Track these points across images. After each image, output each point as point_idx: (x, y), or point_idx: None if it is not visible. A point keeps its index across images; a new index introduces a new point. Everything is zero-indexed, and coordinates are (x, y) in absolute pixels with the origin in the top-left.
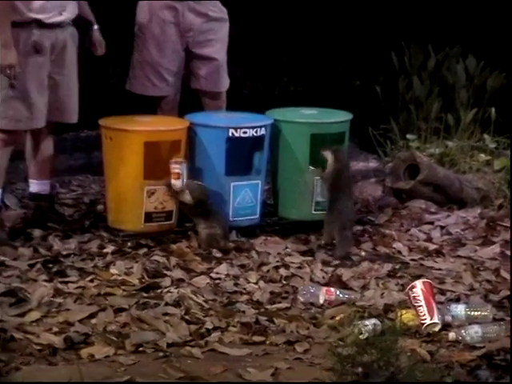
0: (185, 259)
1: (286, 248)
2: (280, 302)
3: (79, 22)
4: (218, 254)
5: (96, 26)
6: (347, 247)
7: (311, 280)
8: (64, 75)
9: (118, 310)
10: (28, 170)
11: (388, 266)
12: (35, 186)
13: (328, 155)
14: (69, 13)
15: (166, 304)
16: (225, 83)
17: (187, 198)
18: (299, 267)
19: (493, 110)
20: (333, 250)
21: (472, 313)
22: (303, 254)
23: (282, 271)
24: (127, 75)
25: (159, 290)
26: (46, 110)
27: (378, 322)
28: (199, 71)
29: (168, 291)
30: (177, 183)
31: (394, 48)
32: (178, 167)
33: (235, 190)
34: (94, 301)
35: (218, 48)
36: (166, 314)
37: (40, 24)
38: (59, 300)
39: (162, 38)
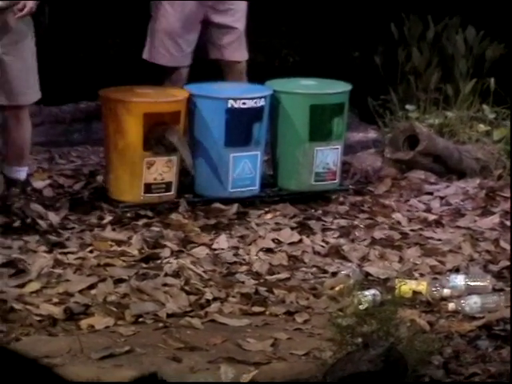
0: (184, 230)
1: (285, 219)
2: (279, 273)
3: None
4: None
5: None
6: None
7: (313, 251)
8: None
9: (118, 281)
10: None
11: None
12: (9, 171)
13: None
14: None
15: (166, 275)
16: (245, 52)
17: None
18: (300, 239)
19: (492, 80)
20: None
21: (471, 283)
22: (302, 224)
23: (282, 242)
24: (130, 46)
25: (159, 261)
26: None
27: (378, 293)
28: (219, 41)
29: (167, 262)
30: None
31: (393, 18)
32: None
33: (235, 161)
34: (94, 272)
35: (238, 17)
36: (165, 285)
37: None
38: (59, 271)
39: (180, 8)
